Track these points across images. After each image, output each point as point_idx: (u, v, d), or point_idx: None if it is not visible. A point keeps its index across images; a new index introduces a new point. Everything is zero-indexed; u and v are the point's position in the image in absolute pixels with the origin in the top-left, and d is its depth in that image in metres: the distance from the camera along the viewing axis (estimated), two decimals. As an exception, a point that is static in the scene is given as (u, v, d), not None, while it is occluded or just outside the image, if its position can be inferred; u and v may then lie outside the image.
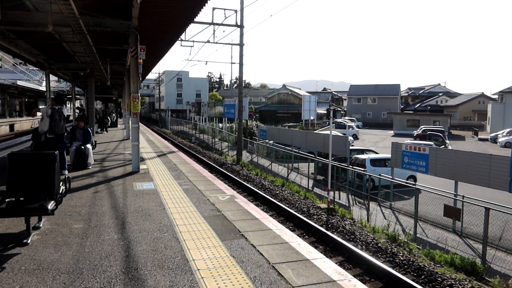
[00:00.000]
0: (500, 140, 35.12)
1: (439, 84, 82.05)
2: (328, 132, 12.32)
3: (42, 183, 5.10)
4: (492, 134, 39.79)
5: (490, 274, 7.39)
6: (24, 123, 34.06)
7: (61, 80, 37.08)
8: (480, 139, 41.35)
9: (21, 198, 5.01)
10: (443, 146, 28.70)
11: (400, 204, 11.70)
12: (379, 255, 7.87)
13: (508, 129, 35.86)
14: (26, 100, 46.57)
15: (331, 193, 12.23)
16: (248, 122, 33.37)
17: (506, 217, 8.17)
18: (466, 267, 7.51)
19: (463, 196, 9.75)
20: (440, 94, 74.48)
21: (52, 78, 29.48)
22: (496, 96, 52.51)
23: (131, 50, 10.45)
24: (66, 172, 9.44)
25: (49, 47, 15.98)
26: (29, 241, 4.84)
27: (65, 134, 9.42)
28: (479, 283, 6.84)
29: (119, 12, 10.70)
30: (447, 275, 6.90)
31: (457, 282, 6.58)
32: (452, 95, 74.51)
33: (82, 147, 10.79)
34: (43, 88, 34.79)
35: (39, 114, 9.28)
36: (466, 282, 6.64)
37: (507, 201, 10.45)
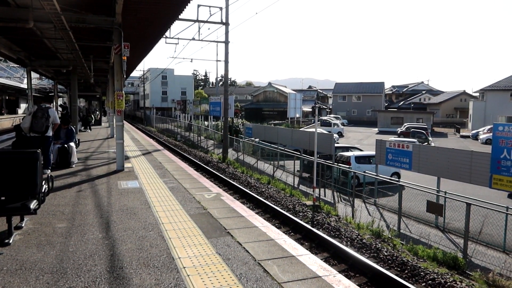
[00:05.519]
0: (481, 137, 35.87)
1: (422, 82, 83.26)
2: (313, 129, 12.41)
3: (24, 182, 5.01)
4: (474, 131, 40.61)
5: (471, 268, 7.57)
6: (4, 121, 33.27)
7: (43, 77, 36.40)
8: (462, 136, 42.19)
9: (2, 198, 4.91)
10: (426, 143, 29.16)
11: (385, 200, 11.87)
12: (364, 251, 7.98)
13: (489, 126, 36.59)
14: (7, 97, 45.57)
15: (317, 190, 12.33)
16: (234, 120, 33.34)
17: (487, 212, 8.37)
18: (448, 261, 7.67)
19: (445, 192, 9.94)
20: (423, 92, 75.61)
21: (34, 75, 28.92)
22: (477, 94, 53.54)
23: (115, 47, 10.32)
24: (49, 171, 9.30)
25: (31, 44, 15.66)
26: (11, 241, 4.76)
27: (47, 131, 9.25)
28: (460, 277, 6.99)
29: (102, 9, 10.55)
30: (430, 269, 7.03)
31: (440, 276, 6.71)
32: (435, 93, 75.71)
33: (65, 145, 10.64)
34: (24, 85, 34.05)
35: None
36: (448, 276, 6.78)
37: (488, 197, 10.71)
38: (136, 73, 71.01)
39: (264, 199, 11.80)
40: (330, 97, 79.87)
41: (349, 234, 8.91)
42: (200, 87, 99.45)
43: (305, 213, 10.56)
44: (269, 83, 64.99)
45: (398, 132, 37.76)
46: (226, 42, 20.34)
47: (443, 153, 10.41)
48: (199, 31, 19.69)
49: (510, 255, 8.29)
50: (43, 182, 5.33)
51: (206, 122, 34.80)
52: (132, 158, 12.76)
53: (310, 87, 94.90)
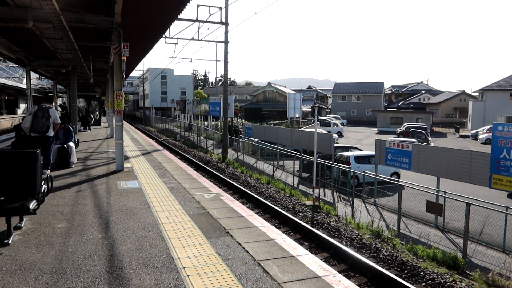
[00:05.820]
0: (480, 137, 35.89)
1: (421, 82, 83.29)
2: (313, 129, 12.41)
3: (23, 182, 5.00)
4: (473, 131, 40.63)
5: (471, 268, 7.57)
6: (4, 122, 33.23)
7: (42, 77, 36.38)
8: (461, 136, 42.21)
9: (1, 198, 4.90)
10: (426, 143, 29.17)
11: (384, 200, 11.86)
12: (364, 251, 7.97)
13: (488, 126, 36.59)
14: (6, 98, 45.55)
15: (316, 190, 12.33)
16: (234, 120, 33.33)
17: (486, 212, 8.37)
18: (448, 261, 7.67)
19: (445, 192, 9.94)
20: (423, 92, 75.65)
21: (33, 75, 28.89)
22: (476, 94, 53.57)
23: (114, 47, 10.31)
24: (48, 171, 9.29)
25: (30, 44, 15.64)
26: (10, 241, 4.75)
27: (48, 131, 9.26)
28: (460, 277, 6.99)
29: (101, 8, 10.54)
30: (430, 269, 7.03)
31: (439, 276, 6.71)
32: (434, 92, 75.74)
33: (65, 145, 10.63)
34: (23, 85, 34.02)
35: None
36: (447, 276, 6.78)
37: (487, 196, 10.71)
38: (136, 73, 71.09)
39: (264, 199, 11.79)
40: (330, 97, 79.87)
41: (349, 234, 8.91)
42: (200, 87, 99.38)
43: (305, 213, 10.55)
44: (269, 83, 64.97)
45: (398, 132, 37.76)
46: (226, 42, 20.33)
47: (443, 153, 10.41)
48: (198, 31, 19.67)
49: (510, 255, 8.30)
50: (43, 182, 5.32)
51: (205, 122, 34.80)
52: (131, 158, 12.75)
53: (309, 87, 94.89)
